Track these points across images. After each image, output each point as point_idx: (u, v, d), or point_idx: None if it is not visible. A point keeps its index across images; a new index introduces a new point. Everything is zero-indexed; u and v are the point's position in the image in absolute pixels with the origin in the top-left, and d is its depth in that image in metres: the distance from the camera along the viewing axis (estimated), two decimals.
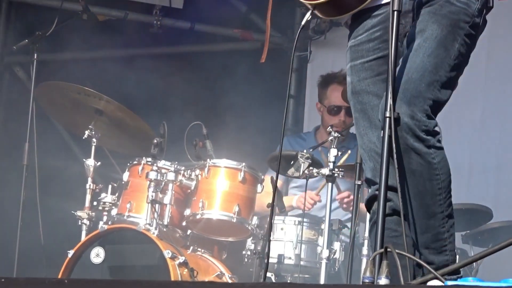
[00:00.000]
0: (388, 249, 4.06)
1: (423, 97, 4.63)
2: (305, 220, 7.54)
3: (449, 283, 4.11)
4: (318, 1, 4.84)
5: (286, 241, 7.51)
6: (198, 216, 7.26)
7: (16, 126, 8.81)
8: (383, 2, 4.74)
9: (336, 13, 4.99)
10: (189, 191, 7.33)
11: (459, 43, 4.77)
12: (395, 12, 4.39)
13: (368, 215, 4.96)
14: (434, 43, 4.72)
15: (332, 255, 7.23)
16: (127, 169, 7.46)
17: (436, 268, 4.50)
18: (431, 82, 4.66)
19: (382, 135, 4.49)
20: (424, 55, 4.70)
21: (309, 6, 4.90)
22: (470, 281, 4.22)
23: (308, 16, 4.95)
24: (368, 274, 3.96)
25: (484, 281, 4.13)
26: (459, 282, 4.28)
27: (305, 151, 7.28)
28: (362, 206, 6.38)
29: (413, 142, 4.56)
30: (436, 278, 4.04)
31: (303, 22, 5.06)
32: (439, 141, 4.67)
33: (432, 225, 4.74)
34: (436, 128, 4.65)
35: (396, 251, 4.03)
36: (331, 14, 5.05)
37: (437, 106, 4.70)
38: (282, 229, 7.57)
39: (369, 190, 4.93)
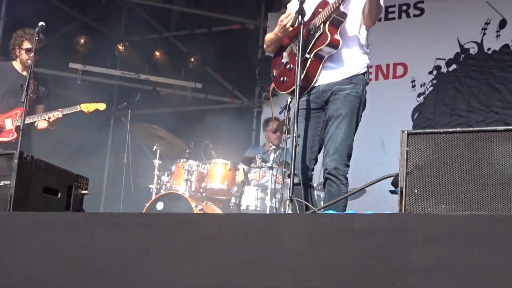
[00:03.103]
0: (292, 198, 3.98)
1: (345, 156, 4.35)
2: (259, 188, 7.14)
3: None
4: (288, 91, 4.55)
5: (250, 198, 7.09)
6: (208, 187, 7.07)
7: (121, 145, 8.93)
8: (315, 85, 4.41)
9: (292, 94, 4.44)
10: (204, 175, 7.13)
11: (358, 119, 4.47)
12: (298, 87, 4.06)
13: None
14: (347, 122, 4.38)
15: (273, 205, 6.61)
16: (174, 164, 7.31)
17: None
18: (349, 146, 4.36)
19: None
20: (341, 132, 4.36)
21: (285, 93, 4.70)
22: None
23: (289, 100, 4.74)
24: (282, 210, 4.22)
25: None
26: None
27: (259, 155, 7.15)
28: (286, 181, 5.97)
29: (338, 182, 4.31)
30: (314, 211, 3.82)
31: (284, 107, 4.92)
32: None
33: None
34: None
35: (297, 199, 3.98)
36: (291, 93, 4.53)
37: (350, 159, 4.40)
38: (248, 192, 7.11)
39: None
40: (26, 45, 6.26)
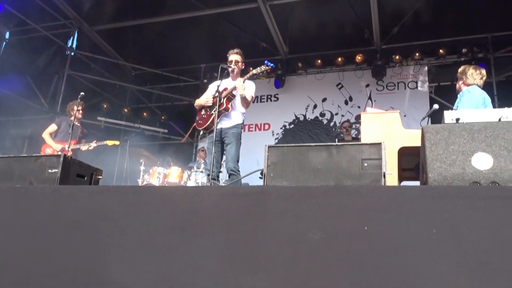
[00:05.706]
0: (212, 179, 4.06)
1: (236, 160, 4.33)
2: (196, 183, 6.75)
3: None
4: (202, 128, 4.57)
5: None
6: (168, 181, 6.30)
7: (123, 159, 8.22)
8: (218, 127, 4.35)
9: (206, 131, 4.63)
10: (166, 175, 6.28)
11: (240, 143, 4.46)
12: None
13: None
14: (235, 145, 4.39)
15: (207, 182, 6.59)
16: (151, 169, 6.42)
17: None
18: (238, 156, 4.35)
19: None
20: (233, 149, 4.35)
21: (200, 129, 4.62)
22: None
23: (202, 133, 4.77)
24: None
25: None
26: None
27: (196, 165, 6.67)
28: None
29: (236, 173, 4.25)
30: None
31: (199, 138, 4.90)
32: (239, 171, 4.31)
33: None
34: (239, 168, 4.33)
35: (213, 181, 4.03)
36: (205, 131, 4.63)
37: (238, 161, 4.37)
38: (189, 184, 6.73)
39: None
40: (74, 108, 6.30)
